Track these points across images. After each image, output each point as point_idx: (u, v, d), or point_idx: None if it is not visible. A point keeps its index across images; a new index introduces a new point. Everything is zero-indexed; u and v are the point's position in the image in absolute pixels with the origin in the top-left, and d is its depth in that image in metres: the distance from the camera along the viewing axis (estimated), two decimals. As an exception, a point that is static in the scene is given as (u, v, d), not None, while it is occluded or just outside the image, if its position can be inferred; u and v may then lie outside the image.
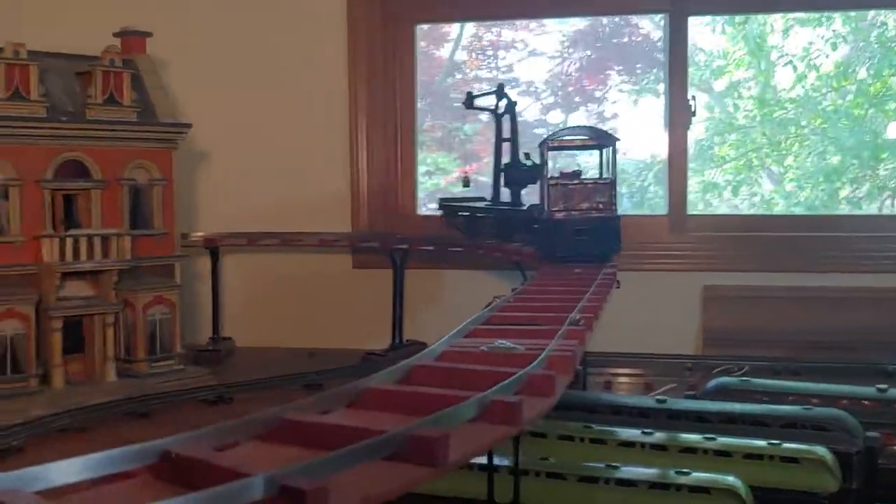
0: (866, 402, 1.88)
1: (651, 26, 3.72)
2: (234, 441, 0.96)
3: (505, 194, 3.13)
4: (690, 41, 3.47)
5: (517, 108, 3.20)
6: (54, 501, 0.78)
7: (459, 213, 3.26)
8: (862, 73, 3.71)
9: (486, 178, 3.66)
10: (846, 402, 1.86)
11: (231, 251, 3.54)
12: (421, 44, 3.73)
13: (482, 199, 3.27)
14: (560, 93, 3.93)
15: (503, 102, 3.15)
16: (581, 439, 1.68)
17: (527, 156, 2.99)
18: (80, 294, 2.55)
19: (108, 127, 2.61)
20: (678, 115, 3.37)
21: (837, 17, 3.67)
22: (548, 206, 2.55)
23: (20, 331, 2.39)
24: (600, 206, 2.52)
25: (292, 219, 3.45)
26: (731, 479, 1.43)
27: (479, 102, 3.22)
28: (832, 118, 3.75)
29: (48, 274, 2.44)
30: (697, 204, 3.74)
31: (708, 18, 3.65)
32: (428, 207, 3.79)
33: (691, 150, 3.56)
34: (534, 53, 3.88)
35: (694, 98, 3.37)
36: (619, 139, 2.59)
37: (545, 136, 2.72)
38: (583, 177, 2.60)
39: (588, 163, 3.11)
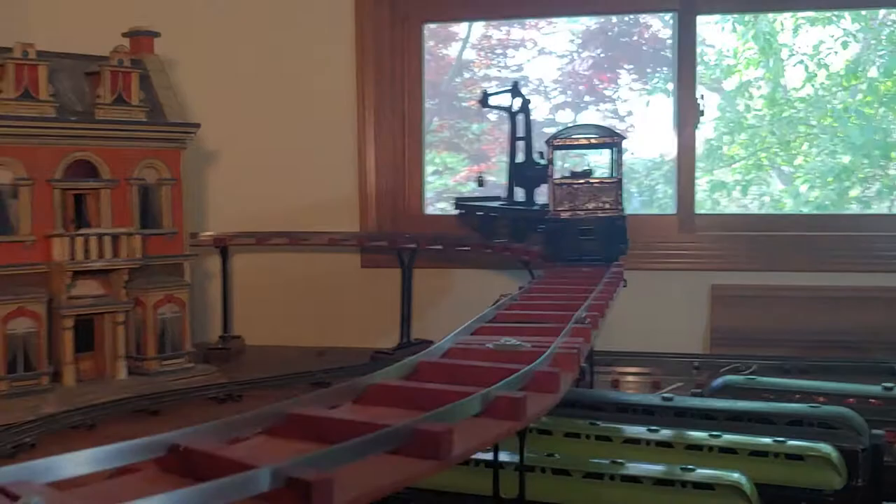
0: (873, 401, 1.88)
1: (661, 25, 3.72)
2: (241, 435, 0.97)
3: (520, 193, 3.12)
4: (700, 39, 3.47)
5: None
6: (64, 493, 0.79)
7: (476, 213, 3.24)
8: (872, 72, 3.70)
9: (495, 178, 3.67)
10: (853, 400, 1.86)
11: (240, 250, 3.56)
12: (429, 43, 3.75)
13: (497, 198, 3.27)
14: (569, 91, 3.93)
15: (517, 101, 3.14)
16: (587, 436, 1.68)
17: (541, 154, 2.99)
18: (90, 293, 2.57)
19: (117, 127, 2.63)
20: (686, 115, 3.37)
21: (847, 15, 3.66)
22: (553, 205, 2.52)
23: (32, 329, 2.41)
24: (606, 205, 2.48)
25: (301, 218, 3.47)
26: (736, 475, 1.43)
27: (493, 101, 3.21)
28: (842, 117, 3.75)
29: (59, 273, 2.46)
30: (706, 203, 3.74)
31: (717, 17, 3.65)
32: (436, 207, 3.80)
33: (701, 150, 3.55)
34: (543, 52, 3.88)
35: (702, 97, 3.37)
36: (625, 138, 2.56)
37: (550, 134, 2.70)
38: (593, 176, 2.56)
39: (597, 162, 3.10)
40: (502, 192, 3.27)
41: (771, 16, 3.71)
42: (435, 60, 3.88)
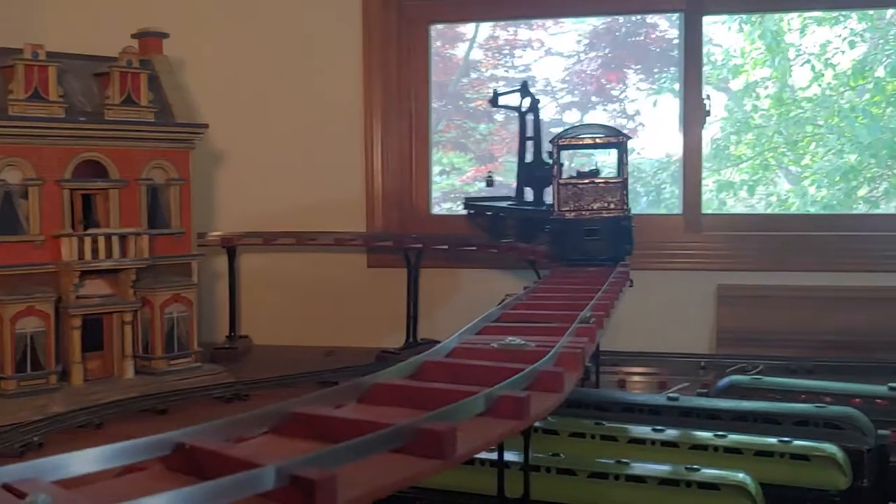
0: (879, 401, 1.88)
1: (668, 25, 3.72)
2: (246, 434, 0.98)
3: (529, 193, 3.11)
4: (707, 39, 3.46)
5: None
6: (70, 491, 0.80)
7: (486, 213, 3.24)
8: (880, 72, 3.69)
9: (502, 178, 3.68)
10: (859, 400, 1.86)
11: (247, 250, 3.57)
12: (436, 43, 3.75)
13: (507, 198, 3.27)
14: (577, 92, 3.94)
15: (526, 100, 3.13)
16: (592, 436, 1.69)
17: (550, 154, 2.98)
18: (98, 292, 2.58)
19: (126, 127, 2.64)
20: (693, 114, 3.36)
21: (854, 15, 3.66)
22: (558, 206, 2.51)
23: (40, 328, 2.43)
24: (611, 205, 2.46)
25: (308, 218, 3.48)
26: (741, 475, 1.43)
27: (502, 101, 3.19)
28: (849, 117, 3.74)
29: (67, 272, 2.48)
30: (713, 203, 3.74)
31: (724, 17, 3.65)
32: (442, 207, 3.81)
33: (708, 150, 3.55)
34: (550, 53, 3.89)
35: (709, 97, 3.37)
36: (630, 137, 2.54)
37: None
38: (600, 176, 2.54)
39: (605, 162, 3.10)
40: (509, 192, 3.27)
41: (777, 15, 3.71)
42: (442, 61, 3.89)
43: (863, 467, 1.56)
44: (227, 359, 3.11)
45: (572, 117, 3.93)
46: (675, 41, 3.57)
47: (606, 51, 3.88)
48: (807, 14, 3.70)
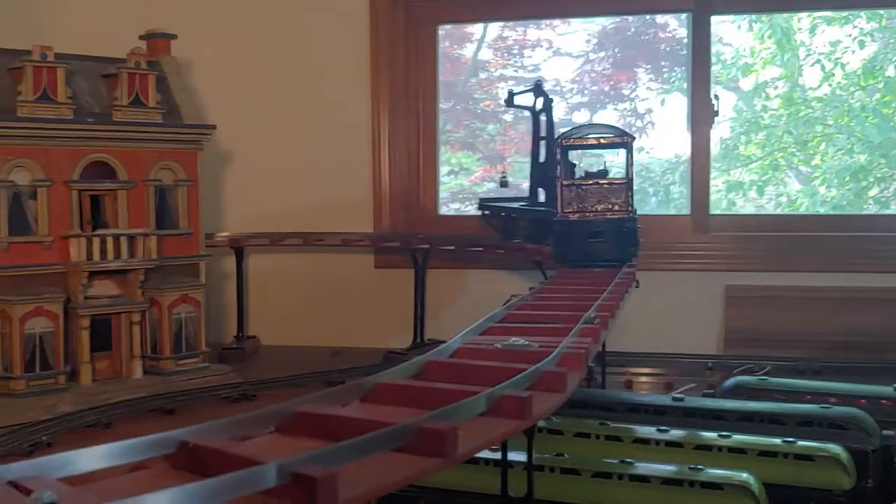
0: (884, 402, 1.87)
1: (677, 24, 3.71)
2: (249, 433, 0.99)
3: (542, 194, 3.09)
4: (717, 38, 3.46)
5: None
6: (76, 488, 0.81)
7: (500, 214, 3.22)
8: (890, 71, 3.68)
9: (510, 178, 3.67)
10: (864, 401, 1.86)
11: (255, 251, 3.59)
12: (445, 44, 3.76)
13: (521, 199, 3.25)
14: (586, 92, 3.93)
15: (540, 100, 3.12)
16: (597, 436, 1.69)
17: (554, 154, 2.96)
18: (107, 293, 2.59)
19: (134, 128, 2.65)
20: (701, 114, 3.36)
21: (863, 14, 3.64)
22: (561, 207, 2.47)
23: (49, 329, 2.44)
24: (616, 207, 2.42)
25: (315, 219, 3.49)
26: (744, 475, 1.44)
27: (517, 100, 3.16)
28: (859, 116, 3.73)
29: (76, 273, 2.49)
30: (722, 203, 3.73)
31: (733, 16, 3.64)
32: (450, 207, 3.82)
33: (717, 150, 3.54)
34: (559, 53, 3.89)
35: (717, 97, 3.36)
36: (634, 138, 2.51)
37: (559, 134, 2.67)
38: (609, 177, 2.51)
39: (614, 162, 3.09)
40: (516, 192, 3.26)
41: (787, 15, 3.70)
42: (451, 61, 3.89)
43: (867, 468, 1.56)
44: (234, 359, 3.12)
45: (582, 117, 3.92)
46: (685, 40, 3.56)
47: (616, 50, 3.87)
48: (816, 14, 3.69)
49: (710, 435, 1.63)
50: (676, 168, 3.78)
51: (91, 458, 0.85)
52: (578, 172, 2.60)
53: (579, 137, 2.53)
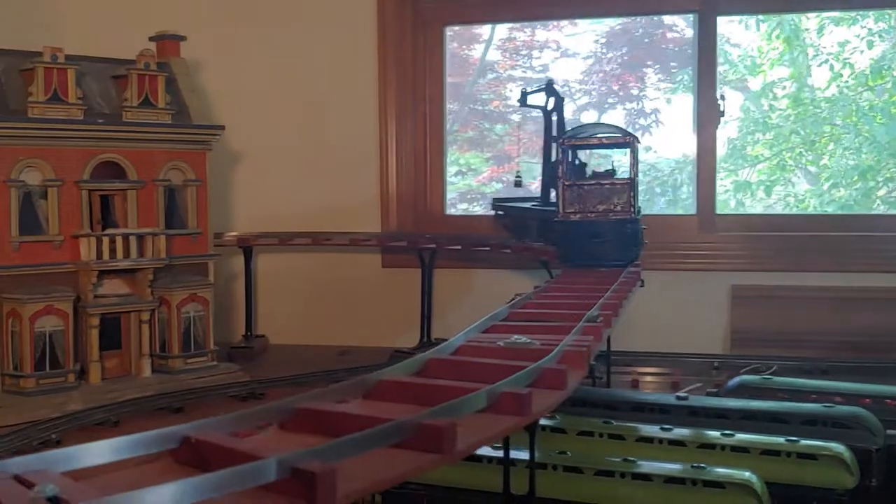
0: (889, 401, 1.87)
1: (685, 24, 3.71)
2: (251, 428, 1.00)
3: (554, 194, 3.08)
4: (724, 38, 3.45)
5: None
6: (78, 482, 0.82)
7: (513, 214, 3.21)
8: (898, 71, 3.67)
9: (519, 178, 3.67)
10: (868, 400, 1.86)
11: (264, 250, 3.60)
12: (453, 44, 3.77)
13: (533, 198, 3.24)
14: (594, 92, 3.94)
15: (551, 100, 3.11)
16: (600, 434, 1.70)
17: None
18: (116, 292, 2.61)
19: (144, 129, 2.67)
20: (707, 115, 3.36)
21: (871, 14, 3.64)
22: (562, 207, 2.45)
23: (59, 327, 2.46)
24: (618, 207, 2.40)
25: (323, 219, 3.51)
26: (746, 474, 1.44)
27: (530, 100, 3.15)
28: (867, 116, 3.72)
29: (86, 272, 2.51)
30: (730, 203, 3.72)
31: (739, 17, 3.63)
32: (458, 207, 3.83)
33: (724, 150, 3.54)
34: (566, 54, 3.89)
35: (723, 98, 3.36)
36: (637, 138, 2.49)
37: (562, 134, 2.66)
38: (616, 177, 2.48)
39: (622, 161, 3.09)
40: (525, 192, 3.26)
41: (794, 16, 3.70)
42: (458, 62, 3.90)
43: (871, 467, 1.56)
44: (243, 358, 3.14)
45: (590, 118, 3.93)
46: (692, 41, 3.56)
47: (623, 50, 3.87)
48: (823, 14, 3.68)
49: (713, 434, 1.63)
50: (684, 168, 3.78)
51: (95, 453, 0.87)
52: (588, 173, 2.58)
53: (581, 137, 2.52)
